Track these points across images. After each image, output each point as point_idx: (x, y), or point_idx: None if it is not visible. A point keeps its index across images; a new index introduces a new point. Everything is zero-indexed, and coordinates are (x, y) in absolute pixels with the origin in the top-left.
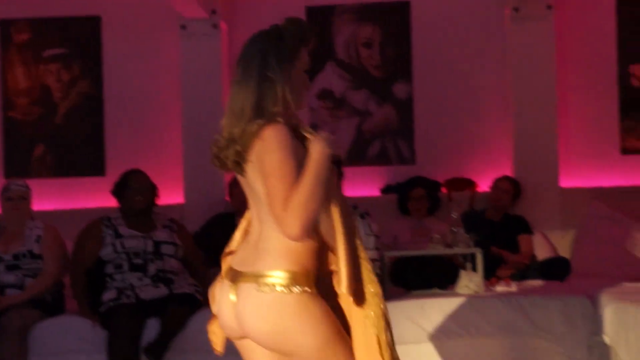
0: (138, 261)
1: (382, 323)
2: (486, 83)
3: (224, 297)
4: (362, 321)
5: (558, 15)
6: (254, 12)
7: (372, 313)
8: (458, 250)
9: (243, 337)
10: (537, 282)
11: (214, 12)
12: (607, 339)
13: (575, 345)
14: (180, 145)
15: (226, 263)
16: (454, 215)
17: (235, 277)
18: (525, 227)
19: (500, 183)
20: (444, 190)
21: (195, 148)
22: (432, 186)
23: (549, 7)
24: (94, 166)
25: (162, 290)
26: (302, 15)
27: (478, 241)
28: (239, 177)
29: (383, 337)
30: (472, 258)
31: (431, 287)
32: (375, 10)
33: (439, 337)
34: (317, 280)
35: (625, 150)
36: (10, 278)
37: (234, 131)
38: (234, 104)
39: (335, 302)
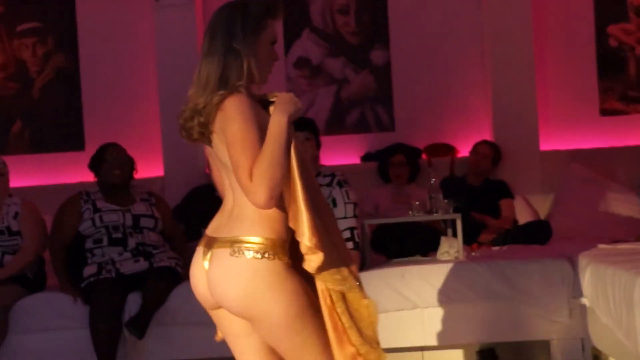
0: (117, 235)
1: (342, 305)
2: (464, 47)
3: (197, 264)
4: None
5: None
6: None
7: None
8: (437, 216)
9: (217, 306)
10: (517, 247)
11: None
12: (586, 301)
13: (555, 308)
14: (159, 117)
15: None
16: (433, 181)
17: (210, 243)
18: (506, 192)
19: (479, 147)
20: (424, 156)
21: (173, 120)
22: (412, 153)
23: None
24: (72, 141)
25: (142, 264)
26: None
27: (458, 207)
28: (207, 148)
29: (345, 318)
30: (453, 224)
31: (412, 254)
32: None
33: (420, 304)
34: (295, 254)
35: (604, 112)
36: None
37: (198, 102)
38: (200, 75)
39: (312, 282)
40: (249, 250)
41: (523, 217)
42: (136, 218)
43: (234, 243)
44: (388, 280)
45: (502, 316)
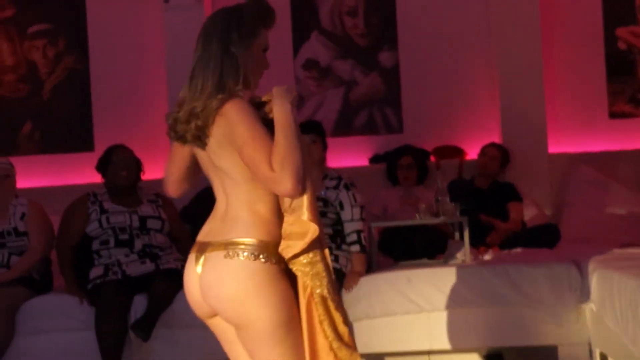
0: (124, 237)
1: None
2: (472, 49)
3: (189, 271)
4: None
5: None
6: None
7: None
8: (443, 219)
9: (211, 314)
10: (524, 250)
11: None
12: (593, 306)
13: (563, 313)
14: None
15: None
16: (439, 184)
17: (202, 248)
18: (514, 194)
19: (487, 150)
20: (432, 158)
21: None
22: (420, 155)
23: None
24: (82, 142)
25: (148, 266)
26: None
27: (464, 210)
28: (198, 152)
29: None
30: (460, 227)
31: (420, 257)
32: None
33: (427, 308)
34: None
35: (613, 115)
36: None
37: (196, 105)
38: (196, 78)
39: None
40: (244, 251)
41: (531, 220)
42: (143, 219)
43: (228, 245)
44: (394, 284)
45: (509, 320)
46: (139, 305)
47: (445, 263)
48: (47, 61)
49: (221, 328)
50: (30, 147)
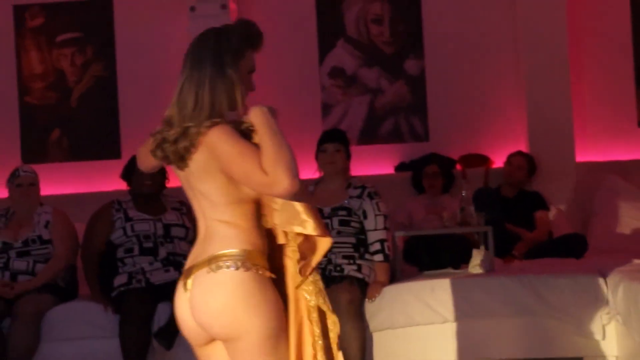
0: (148, 245)
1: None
2: (498, 57)
3: (179, 299)
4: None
5: None
6: None
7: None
8: (467, 229)
9: (206, 340)
10: (550, 260)
11: None
12: (619, 318)
13: (588, 325)
14: None
15: None
16: (464, 193)
17: (188, 273)
18: (541, 203)
19: (513, 159)
20: (458, 167)
21: None
22: (446, 163)
23: None
24: (109, 149)
25: (172, 274)
26: None
27: (489, 219)
28: (178, 173)
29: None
30: (485, 236)
31: (445, 266)
32: None
33: (451, 318)
34: (272, 270)
35: None
36: (21, 265)
37: (189, 125)
38: (186, 98)
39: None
40: (227, 262)
41: (558, 229)
42: (167, 227)
43: (211, 260)
44: (418, 294)
45: (534, 332)
46: (162, 313)
47: (469, 273)
48: (75, 69)
49: (215, 357)
50: (58, 155)
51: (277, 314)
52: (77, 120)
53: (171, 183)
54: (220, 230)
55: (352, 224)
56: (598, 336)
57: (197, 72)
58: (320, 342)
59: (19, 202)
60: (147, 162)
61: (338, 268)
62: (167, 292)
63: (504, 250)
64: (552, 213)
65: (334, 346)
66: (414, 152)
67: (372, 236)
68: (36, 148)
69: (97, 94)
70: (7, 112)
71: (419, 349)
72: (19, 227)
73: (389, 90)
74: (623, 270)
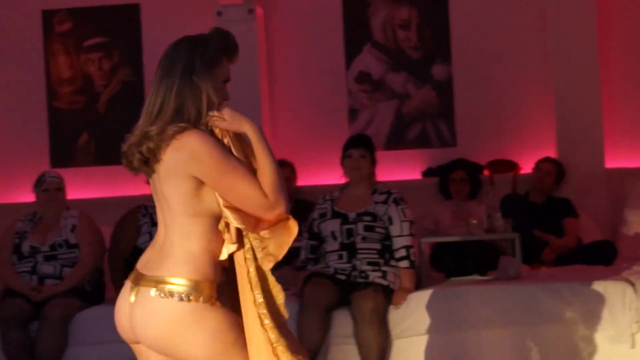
0: None
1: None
2: (527, 62)
3: (123, 298)
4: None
5: None
6: None
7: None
8: (494, 236)
9: (137, 341)
10: (579, 267)
11: None
12: None
13: (617, 334)
14: None
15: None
16: (491, 199)
17: (137, 279)
18: (570, 210)
19: (542, 165)
20: (486, 172)
21: None
22: (473, 169)
23: None
24: None
25: None
26: None
27: (517, 225)
28: (150, 182)
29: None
30: (512, 243)
31: (471, 273)
32: None
33: (477, 325)
34: (221, 289)
35: None
36: (48, 269)
37: (151, 129)
38: (152, 104)
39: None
40: (172, 291)
41: (587, 236)
42: None
43: (158, 283)
44: (444, 301)
45: (562, 340)
46: None
47: (495, 280)
48: (103, 74)
49: (144, 355)
50: (86, 159)
51: (222, 336)
52: (105, 125)
53: None
54: (175, 249)
55: (377, 229)
56: (627, 345)
57: (166, 80)
58: (280, 347)
59: (46, 206)
60: None
61: (363, 274)
62: None
63: (532, 257)
64: (581, 220)
65: (282, 309)
66: (441, 158)
67: (398, 242)
68: (64, 152)
69: (124, 99)
70: (36, 116)
71: (446, 356)
72: (46, 231)
73: (416, 96)
74: None
